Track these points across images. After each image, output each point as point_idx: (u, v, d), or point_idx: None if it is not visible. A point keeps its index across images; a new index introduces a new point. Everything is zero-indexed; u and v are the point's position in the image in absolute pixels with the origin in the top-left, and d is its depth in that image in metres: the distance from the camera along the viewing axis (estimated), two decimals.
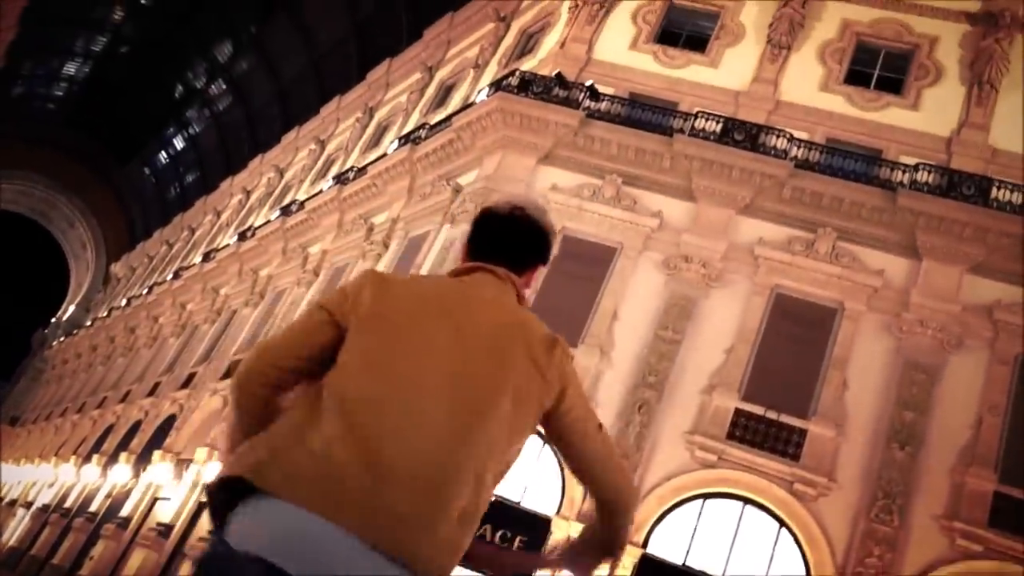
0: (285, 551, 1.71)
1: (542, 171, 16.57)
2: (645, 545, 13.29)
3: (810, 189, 15.48)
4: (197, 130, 52.93)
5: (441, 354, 1.95)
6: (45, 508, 29.06)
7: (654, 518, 13.50)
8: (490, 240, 2.21)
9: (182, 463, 20.64)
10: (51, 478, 30.85)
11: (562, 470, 13.56)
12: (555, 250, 2.30)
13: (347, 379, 1.91)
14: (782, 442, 13.76)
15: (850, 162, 16.09)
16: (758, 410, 13.98)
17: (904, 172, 15.57)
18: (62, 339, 50.25)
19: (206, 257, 31.56)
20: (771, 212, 15.58)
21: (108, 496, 24.38)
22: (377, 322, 1.97)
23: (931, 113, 16.91)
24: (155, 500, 21.14)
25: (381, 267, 18.89)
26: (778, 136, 16.02)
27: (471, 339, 1.98)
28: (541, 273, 2.25)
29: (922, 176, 15.37)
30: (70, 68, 53.42)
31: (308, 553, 1.72)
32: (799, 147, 16.04)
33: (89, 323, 47.21)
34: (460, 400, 1.91)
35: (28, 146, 56.90)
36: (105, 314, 43.61)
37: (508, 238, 2.21)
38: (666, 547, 13.36)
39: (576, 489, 13.39)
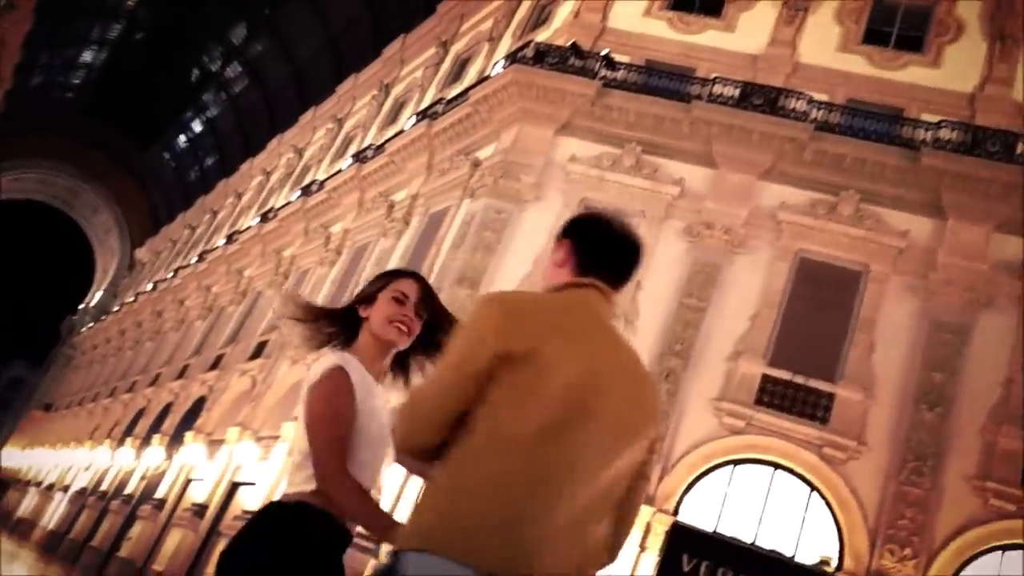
0: None
1: (560, 142, 16.49)
2: (676, 513, 13.36)
3: (831, 151, 15.33)
4: (215, 113, 53.08)
5: (590, 390, 1.94)
6: (82, 491, 29.56)
7: (684, 486, 13.55)
8: (607, 257, 2.16)
9: (214, 444, 20.91)
10: (86, 462, 31.36)
11: None
12: None
13: (499, 418, 1.90)
14: (810, 406, 13.74)
15: (871, 122, 15.89)
16: (785, 375, 13.95)
17: (927, 130, 15.36)
18: (91, 325, 50.82)
19: (229, 239, 31.74)
20: (793, 176, 15.45)
21: (143, 478, 24.76)
22: (520, 355, 1.92)
23: (953, 70, 16.65)
24: (189, 481, 21.46)
25: (402, 244, 18.93)
26: (797, 99, 15.84)
27: (612, 374, 1.98)
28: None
29: (945, 134, 15.16)
30: (87, 56, 53.61)
31: None
32: (819, 109, 15.86)
33: (116, 308, 47.69)
34: (613, 438, 1.95)
35: (48, 135, 57.26)
36: (132, 299, 44.03)
37: (626, 260, 2.18)
38: (697, 514, 13.42)
39: None
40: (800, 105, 15.73)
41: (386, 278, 2.77)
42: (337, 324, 2.73)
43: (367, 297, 2.72)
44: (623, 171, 15.93)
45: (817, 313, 14.55)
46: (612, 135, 16.33)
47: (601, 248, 2.15)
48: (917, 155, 14.85)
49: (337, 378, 2.43)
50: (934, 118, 15.56)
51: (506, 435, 1.87)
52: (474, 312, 2.00)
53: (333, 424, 2.37)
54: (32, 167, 58.62)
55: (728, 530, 13.30)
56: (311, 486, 2.36)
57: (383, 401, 2.56)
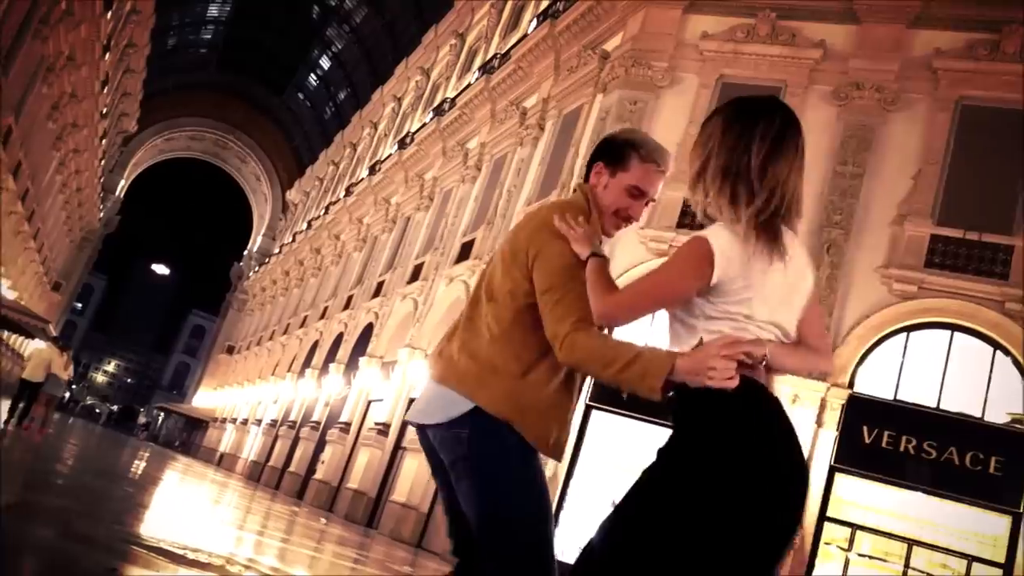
0: None
1: (690, 20, 15.90)
2: (851, 385, 13.07)
3: None
4: (339, 48, 53.94)
5: None
6: (274, 423, 31.63)
7: (856, 358, 13.21)
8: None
9: (387, 366, 21.86)
10: (273, 396, 33.47)
11: None
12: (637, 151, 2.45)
13: None
14: (987, 262, 13.03)
15: None
16: (956, 233, 13.24)
17: None
18: (256, 269, 53.56)
19: (371, 170, 32.54)
20: (946, 18, 14.32)
21: (326, 405, 26.24)
22: None
23: None
24: (369, 403, 22.60)
25: (540, 150, 18.89)
26: None
27: None
28: (601, 169, 2.49)
29: None
30: (212, 10, 55.31)
31: None
32: None
33: (277, 250, 50.05)
34: None
35: (189, 93, 59.87)
36: (290, 240, 46.06)
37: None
38: (873, 384, 13.09)
39: None
40: None
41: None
42: None
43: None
44: (759, 41, 15.24)
45: (986, 163, 13.64)
46: (743, 5, 15.60)
47: None
48: None
49: None
50: None
51: None
52: None
53: None
54: (178, 126, 61.59)
55: (909, 396, 12.93)
56: None
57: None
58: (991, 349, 12.81)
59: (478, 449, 2.23)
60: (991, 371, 12.75)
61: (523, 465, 2.25)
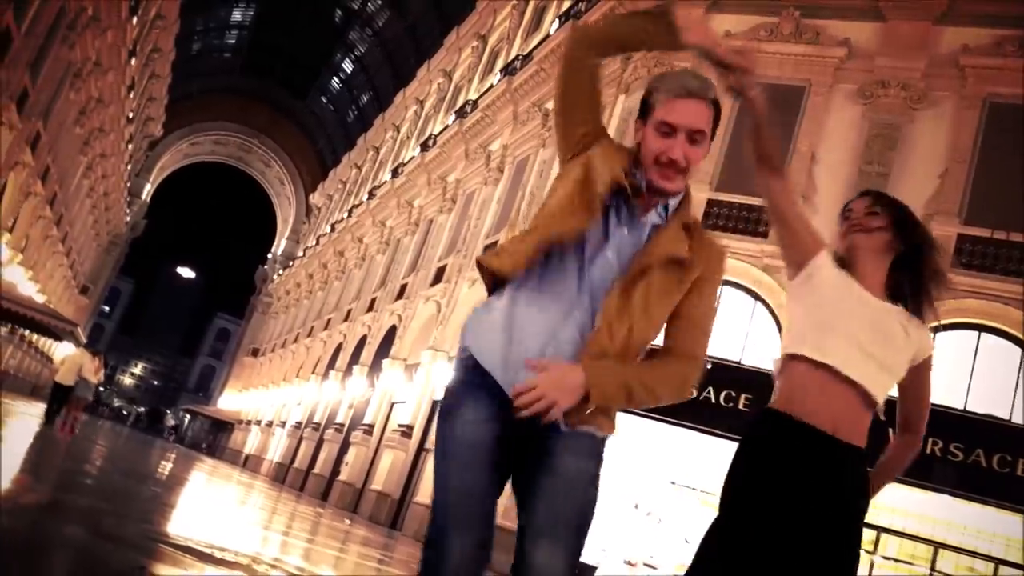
0: None
1: (713, 20, 15.81)
2: None
3: None
4: (362, 51, 54.18)
5: None
6: (298, 425, 31.80)
7: None
8: None
9: (410, 368, 21.92)
10: (297, 398, 33.66)
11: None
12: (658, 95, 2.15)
13: None
14: (1015, 262, 12.91)
15: None
16: (983, 232, 13.12)
17: None
18: (281, 272, 53.86)
19: (394, 173, 32.65)
20: (973, 14, 14.18)
21: (350, 407, 26.35)
22: None
23: None
24: (392, 405, 22.67)
25: None
26: None
27: None
28: (638, 125, 2.18)
29: None
30: (236, 15, 55.72)
31: None
32: None
33: (301, 253, 50.32)
34: None
35: (214, 97, 60.32)
36: (313, 243, 46.29)
37: None
38: None
39: None
40: None
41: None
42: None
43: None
44: (783, 40, 15.16)
45: (1013, 162, 13.46)
46: (767, 3, 15.54)
47: None
48: None
49: None
50: None
51: None
52: None
53: None
54: (203, 130, 62.07)
55: (935, 399, 12.76)
56: None
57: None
58: (1019, 350, 12.68)
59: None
60: (1019, 372, 12.62)
61: (450, 422, 2.06)
